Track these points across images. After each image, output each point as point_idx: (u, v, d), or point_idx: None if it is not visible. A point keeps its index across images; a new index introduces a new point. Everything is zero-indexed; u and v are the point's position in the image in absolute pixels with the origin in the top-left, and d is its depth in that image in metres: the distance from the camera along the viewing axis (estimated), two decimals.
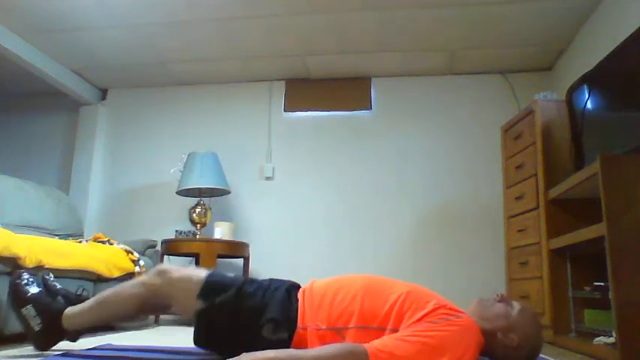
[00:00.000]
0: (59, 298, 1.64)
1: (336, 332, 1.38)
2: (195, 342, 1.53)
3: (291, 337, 1.39)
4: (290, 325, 1.40)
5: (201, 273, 1.55)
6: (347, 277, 1.53)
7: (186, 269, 1.58)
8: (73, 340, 1.66)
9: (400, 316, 1.34)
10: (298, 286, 1.57)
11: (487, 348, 1.39)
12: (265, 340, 1.38)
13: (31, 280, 1.61)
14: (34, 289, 1.59)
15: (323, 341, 1.35)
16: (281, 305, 1.43)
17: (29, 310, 1.55)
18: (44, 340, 1.59)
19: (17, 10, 3.08)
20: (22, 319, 1.57)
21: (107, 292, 1.61)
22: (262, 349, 1.31)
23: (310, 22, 3.18)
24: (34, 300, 1.56)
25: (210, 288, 1.50)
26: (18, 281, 1.58)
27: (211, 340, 1.53)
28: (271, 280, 1.59)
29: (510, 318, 1.41)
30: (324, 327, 1.39)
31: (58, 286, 1.68)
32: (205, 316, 1.47)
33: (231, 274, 1.60)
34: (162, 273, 1.56)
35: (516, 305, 1.46)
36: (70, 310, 1.59)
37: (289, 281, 1.59)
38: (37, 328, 1.55)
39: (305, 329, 1.39)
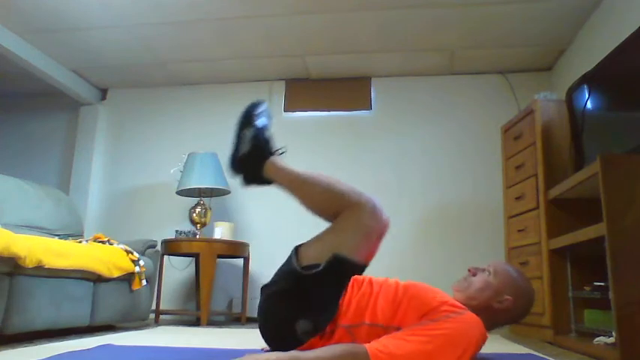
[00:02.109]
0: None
1: (346, 330, 1.36)
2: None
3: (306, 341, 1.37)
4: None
5: (360, 253, 1.43)
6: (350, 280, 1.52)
7: (371, 229, 1.44)
8: (266, 183, 1.60)
9: (404, 314, 1.33)
10: None
11: (490, 324, 1.39)
12: (289, 329, 1.36)
13: (265, 112, 1.62)
14: (262, 121, 1.59)
15: (330, 340, 1.34)
16: (331, 315, 1.37)
17: (247, 134, 1.56)
18: (241, 165, 1.58)
19: (17, 10, 3.08)
20: (238, 139, 1.58)
21: (316, 173, 1.54)
22: (281, 341, 1.34)
23: (310, 22, 3.18)
24: (257, 128, 1.56)
25: (341, 268, 1.41)
26: (253, 107, 1.60)
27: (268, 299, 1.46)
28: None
29: (493, 283, 1.42)
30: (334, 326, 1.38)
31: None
32: (312, 277, 1.38)
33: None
34: (363, 204, 1.43)
35: (489, 268, 1.46)
36: (278, 160, 1.55)
37: None
38: (241, 152, 1.56)
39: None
